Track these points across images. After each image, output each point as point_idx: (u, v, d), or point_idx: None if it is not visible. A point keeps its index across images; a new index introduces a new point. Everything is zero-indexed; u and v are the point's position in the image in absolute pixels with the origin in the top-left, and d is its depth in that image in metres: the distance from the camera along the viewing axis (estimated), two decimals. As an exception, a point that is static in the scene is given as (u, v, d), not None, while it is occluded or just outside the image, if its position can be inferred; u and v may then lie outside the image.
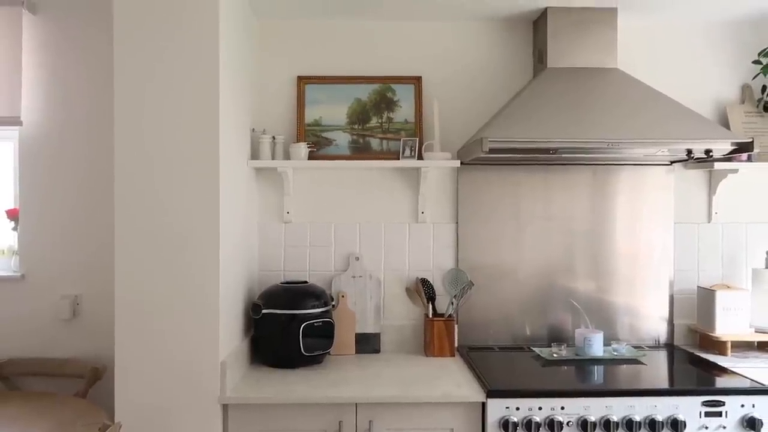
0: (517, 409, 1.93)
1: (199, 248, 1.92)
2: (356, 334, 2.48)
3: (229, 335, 2.05)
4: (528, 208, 2.57)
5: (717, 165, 2.44)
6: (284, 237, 2.57)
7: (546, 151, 2.21)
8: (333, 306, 2.41)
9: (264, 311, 2.24)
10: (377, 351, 2.49)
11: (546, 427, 1.92)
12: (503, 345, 2.53)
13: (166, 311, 1.92)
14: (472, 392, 1.96)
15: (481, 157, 2.25)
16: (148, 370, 1.91)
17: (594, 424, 1.91)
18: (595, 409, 1.93)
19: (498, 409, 1.93)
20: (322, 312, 2.28)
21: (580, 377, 2.13)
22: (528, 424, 1.91)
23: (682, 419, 1.92)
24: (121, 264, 1.92)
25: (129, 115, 1.93)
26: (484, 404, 1.95)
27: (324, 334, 2.27)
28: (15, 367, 2.50)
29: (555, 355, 2.34)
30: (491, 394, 1.93)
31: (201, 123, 1.93)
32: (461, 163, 2.43)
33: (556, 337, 2.54)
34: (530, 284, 2.57)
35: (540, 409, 1.93)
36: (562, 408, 1.93)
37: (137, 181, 1.93)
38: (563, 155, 2.33)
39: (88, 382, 2.42)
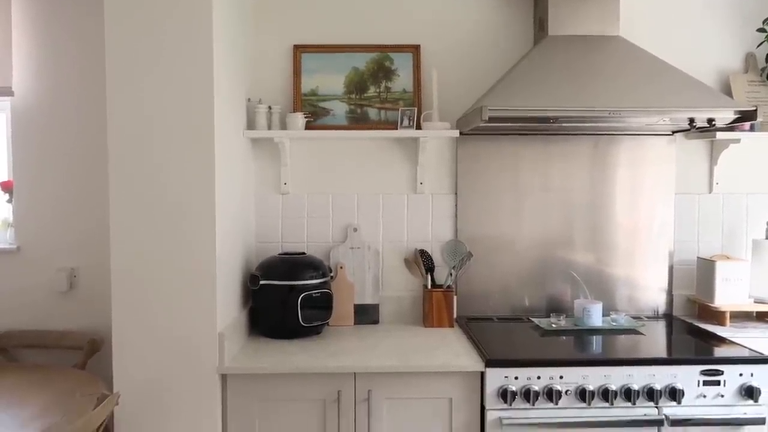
0: (516, 378, 1.93)
1: (195, 219, 1.90)
2: (355, 305, 2.48)
3: (226, 306, 2.04)
4: (528, 179, 2.55)
5: (719, 135, 2.41)
6: (281, 208, 2.55)
7: (546, 120, 2.18)
8: (331, 277, 2.40)
9: (262, 282, 2.23)
10: (376, 322, 2.49)
11: (545, 396, 1.92)
12: (502, 316, 2.53)
13: (163, 283, 1.90)
14: (471, 362, 1.95)
15: (481, 126, 2.22)
16: (146, 342, 1.90)
17: (592, 393, 1.92)
18: (593, 378, 1.93)
19: (497, 378, 1.93)
20: (320, 283, 2.26)
21: (579, 347, 2.13)
22: (527, 393, 1.91)
23: (681, 388, 1.92)
24: (117, 236, 1.90)
25: (121, 86, 1.89)
26: (482, 374, 1.95)
27: (322, 305, 2.26)
28: (12, 340, 2.50)
29: (554, 325, 2.34)
30: (490, 363, 1.93)
31: (195, 93, 1.89)
32: (460, 133, 2.39)
33: (555, 308, 2.54)
34: (529, 256, 2.55)
35: (539, 378, 1.93)
36: (561, 377, 1.93)
37: (131, 153, 1.89)
38: (564, 124, 2.30)
39: (86, 353, 2.42)
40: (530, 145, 2.54)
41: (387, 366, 1.93)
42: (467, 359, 1.98)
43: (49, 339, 2.51)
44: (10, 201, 2.58)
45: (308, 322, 2.21)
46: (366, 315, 2.49)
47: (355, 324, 2.47)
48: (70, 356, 2.47)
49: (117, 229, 1.90)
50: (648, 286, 2.56)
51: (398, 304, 2.53)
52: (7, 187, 2.57)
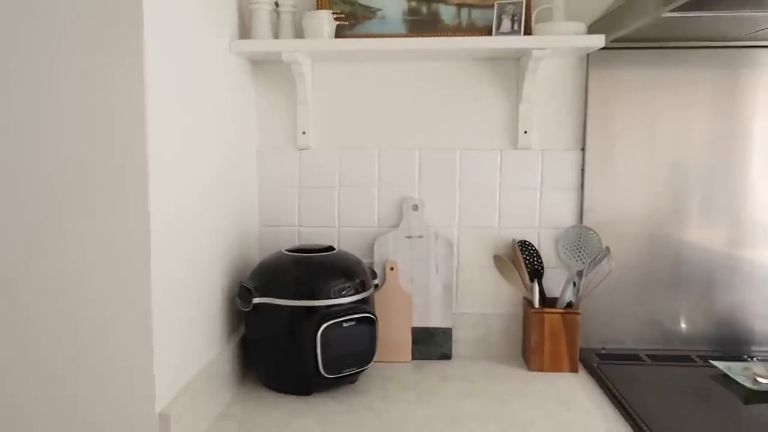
0: None
1: (112, 205, 0.99)
2: (413, 328, 1.55)
3: (185, 351, 1.14)
4: (701, 125, 1.52)
5: None
6: (299, 172, 1.61)
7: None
8: (376, 286, 1.47)
9: (256, 301, 1.32)
10: (447, 357, 1.56)
11: None
12: (655, 351, 1.55)
13: (63, 321, 1.02)
14: (642, 482, 1.00)
15: (647, 25, 1.21)
16: (33, 423, 1.04)
17: None
18: None
19: None
20: (355, 302, 1.33)
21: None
22: None
23: None
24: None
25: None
26: None
27: (359, 340, 1.34)
28: None
29: (762, 380, 1.35)
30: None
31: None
32: (603, 46, 1.38)
33: (735, 337, 1.54)
34: (695, 248, 1.55)
35: None
36: None
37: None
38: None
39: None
40: (710, 71, 1.51)
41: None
42: (631, 472, 1.03)
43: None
44: None
45: (334, 372, 1.30)
46: (431, 345, 1.56)
47: (413, 359, 1.55)
48: None
49: (-34, 216, 1.02)
50: None
51: (483, 329, 1.58)
52: None
